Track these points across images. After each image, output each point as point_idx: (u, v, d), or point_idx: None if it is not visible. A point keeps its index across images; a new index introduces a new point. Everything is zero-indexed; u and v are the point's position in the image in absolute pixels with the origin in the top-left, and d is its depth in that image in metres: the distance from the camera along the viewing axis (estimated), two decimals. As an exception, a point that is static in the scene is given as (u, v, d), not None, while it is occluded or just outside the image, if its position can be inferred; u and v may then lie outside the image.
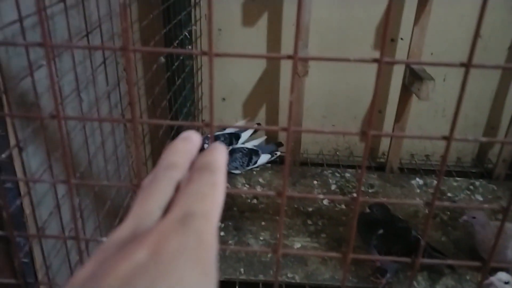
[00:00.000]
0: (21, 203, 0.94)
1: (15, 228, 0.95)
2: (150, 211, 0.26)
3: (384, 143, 1.89)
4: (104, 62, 1.04)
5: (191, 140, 0.32)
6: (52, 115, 0.37)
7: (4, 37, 0.76)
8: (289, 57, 0.34)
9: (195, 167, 0.29)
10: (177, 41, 1.42)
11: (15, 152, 0.91)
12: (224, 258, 1.33)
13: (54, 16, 0.99)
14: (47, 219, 0.99)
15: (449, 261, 1.36)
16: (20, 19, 0.57)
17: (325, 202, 1.58)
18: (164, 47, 1.35)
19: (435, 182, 1.74)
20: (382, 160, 1.89)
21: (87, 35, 0.91)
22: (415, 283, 1.31)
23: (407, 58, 1.57)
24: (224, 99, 1.84)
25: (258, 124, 1.85)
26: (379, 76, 0.33)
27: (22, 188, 0.95)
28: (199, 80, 1.75)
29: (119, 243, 0.24)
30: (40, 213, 1.00)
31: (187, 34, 1.51)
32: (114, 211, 1.21)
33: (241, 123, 1.85)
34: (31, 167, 0.98)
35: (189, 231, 0.24)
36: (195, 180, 0.28)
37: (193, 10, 1.57)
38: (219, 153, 0.30)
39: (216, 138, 1.73)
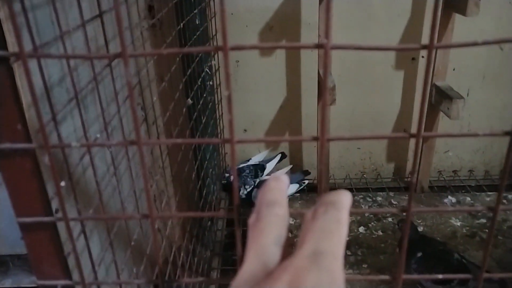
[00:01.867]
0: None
1: None
2: (267, 247, 0.28)
3: (411, 162, 1.85)
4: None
5: (281, 179, 0.34)
6: (132, 141, 0.34)
7: None
8: (318, 46, 0.31)
9: (320, 204, 0.31)
10: (200, 79, 1.40)
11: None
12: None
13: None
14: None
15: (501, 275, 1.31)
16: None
17: (361, 229, 1.54)
18: (190, 86, 1.33)
19: (467, 199, 1.70)
20: (410, 179, 1.86)
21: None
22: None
23: (432, 76, 1.55)
24: (245, 130, 1.81)
25: (282, 153, 1.82)
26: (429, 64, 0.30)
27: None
28: (220, 113, 1.72)
29: (253, 280, 0.26)
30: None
31: (207, 70, 1.49)
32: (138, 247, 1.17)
33: (264, 153, 1.82)
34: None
35: (322, 269, 0.25)
36: (321, 217, 0.29)
37: (212, 44, 1.55)
38: (344, 194, 0.32)
39: (241, 171, 1.70)
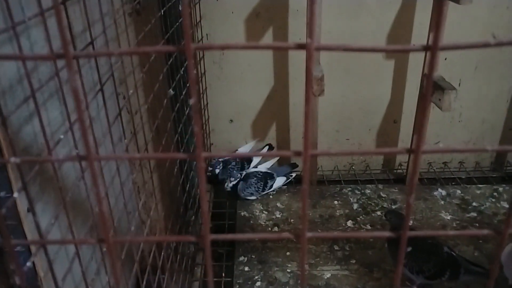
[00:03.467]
0: (34, 265, 0.86)
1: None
2: None
3: (402, 154, 1.81)
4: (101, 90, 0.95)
5: None
6: (81, 156, 0.29)
7: None
8: (300, 46, 0.26)
9: None
10: (182, 68, 1.33)
11: (23, 214, 0.82)
12: (252, 296, 1.25)
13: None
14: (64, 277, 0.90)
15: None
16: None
17: (349, 224, 1.51)
18: (171, 76, 1.26)
19: (458, 192, 1.67)
20: (399, 171, 1.82)
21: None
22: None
23: (423, 65, 1.50)
24: (231, 120, 1.75)
25: (269, 145, 1.77)
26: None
27: (33, 249, 0.86)
28: (205, 103, 1.66)
29: None
30: (55, 271, 0.91)
31: (191, 58, 1.43)
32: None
33: (251, 144, 1.77)
34: (40, 225, 0.89)
35: None
36: None
37: (195, 31, 1.49)
38: None
39: (227, 163, 1.65)
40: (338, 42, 1.60)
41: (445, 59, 1.63)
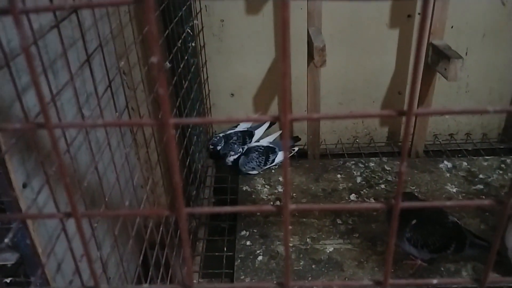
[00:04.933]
0: (32, 242, 0.85)
1: (31, 272, 0.86)
2: None
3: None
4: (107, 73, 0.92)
5: None
6: (39, 124, 0.27)
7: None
8: None
9: None
10: (180, 40, 1.30)
11: (18, 191, 0.81)
12: (254, 270, 1.24)
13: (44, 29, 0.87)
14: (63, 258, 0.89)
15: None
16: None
17: (352, 197, 1.49)
18: (168, 48, 1.23)
19: (464, 164, 1.64)
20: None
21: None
22: (458, 278, 1.23)
23: (429, 34, 1.45)
24: (232, 94, 1.72)
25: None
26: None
27: (31, 226, 0.86)
28: (205, 77, 1.63)
29: None
30: (54, 248, 0.90)
31: (189, 30, 1.39)
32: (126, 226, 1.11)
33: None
34: (37, 202, 0.88)
35: None
36: None
37: (192, 3, 1.44)
38: None
39: (229, 137, 1.63)
40: (339, 13, 1.55)
41: (452, 27, 1.57)
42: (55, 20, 0.67)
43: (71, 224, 0.67)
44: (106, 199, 0.72)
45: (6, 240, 0.84)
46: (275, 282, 0.32)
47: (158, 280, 1.04)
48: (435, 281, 0.31)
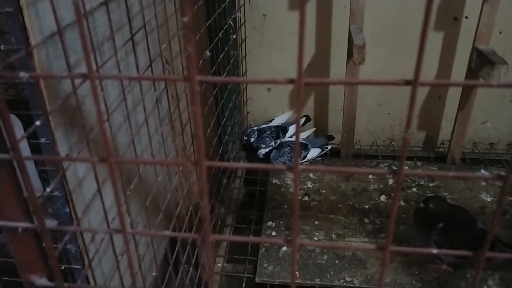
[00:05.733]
0: (70, 211, 0.91)
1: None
2: None
3: (444, 131, 1.74)
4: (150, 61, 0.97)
5: None
6: (83, 74, 0.30)
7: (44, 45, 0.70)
8: None
9: None
10: (221, 31, 1.33)
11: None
12: (277, 260, 1.26)
13: (94, 12, 0.93)
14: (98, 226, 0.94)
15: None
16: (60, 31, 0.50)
17: (382, 198, 1.48)
18: (209, 39, 1.27)
19: (502, 173, 1.58)
20: (441, 149, 1.76)
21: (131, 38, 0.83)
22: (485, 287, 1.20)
23: (474, 39, 1.42)
24: (269, 89, 1.74)
25: (306, 116, 1.74)
26: None
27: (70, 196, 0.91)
28: (244, 70, 1.66)
29: None
30: (89, 218, 0.96)
31: (231, 22, 1.42)
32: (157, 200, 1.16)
33: (288, 114, 1.75)
34: (78, 175, 0.93)
35: None
36: None
37: (236, -5, 1.47)
38: None
39: (263, 131, 1.65)
40: (382, 12, 1.54)
41: (500, 32, 1.53)
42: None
43: (107, 193, 0.72)
44: (140, 171, 0.76)
45: (49, 210, 0.90)
46: (282, 238, 0.34)
47: (183, 260, 1.08)
48: (435, 250, 0.32)
